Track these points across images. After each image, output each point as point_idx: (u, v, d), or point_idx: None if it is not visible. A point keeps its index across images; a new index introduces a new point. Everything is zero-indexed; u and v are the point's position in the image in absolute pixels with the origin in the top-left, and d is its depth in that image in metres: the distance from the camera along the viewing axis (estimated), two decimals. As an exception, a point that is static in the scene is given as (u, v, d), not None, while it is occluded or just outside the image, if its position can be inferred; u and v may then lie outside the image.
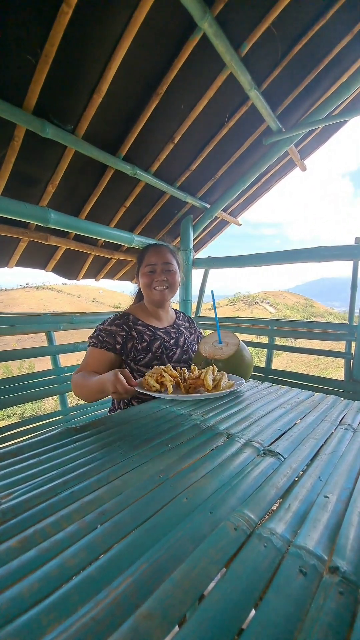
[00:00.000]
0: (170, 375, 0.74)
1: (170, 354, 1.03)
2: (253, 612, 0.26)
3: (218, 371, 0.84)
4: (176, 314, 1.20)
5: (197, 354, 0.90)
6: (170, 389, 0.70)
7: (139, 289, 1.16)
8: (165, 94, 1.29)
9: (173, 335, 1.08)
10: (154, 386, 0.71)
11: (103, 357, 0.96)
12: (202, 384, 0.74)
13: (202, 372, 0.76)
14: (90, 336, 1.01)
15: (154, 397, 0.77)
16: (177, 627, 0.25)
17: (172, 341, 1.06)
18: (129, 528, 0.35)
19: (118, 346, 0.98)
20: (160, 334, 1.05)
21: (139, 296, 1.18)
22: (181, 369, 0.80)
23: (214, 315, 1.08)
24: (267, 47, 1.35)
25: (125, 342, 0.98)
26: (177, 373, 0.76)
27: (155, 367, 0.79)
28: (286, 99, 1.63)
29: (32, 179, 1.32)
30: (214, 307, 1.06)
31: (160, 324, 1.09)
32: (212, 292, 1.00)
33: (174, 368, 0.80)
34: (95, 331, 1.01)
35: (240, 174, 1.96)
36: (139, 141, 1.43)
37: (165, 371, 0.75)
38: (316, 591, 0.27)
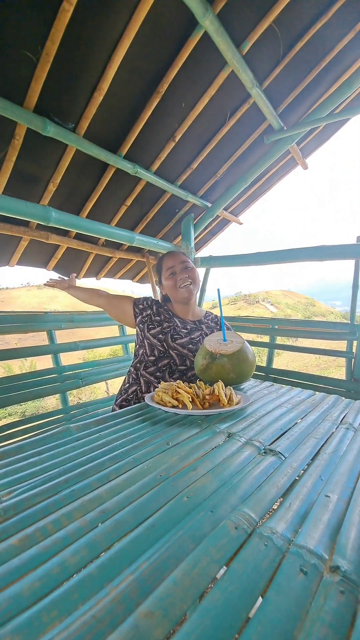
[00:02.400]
0: (185, 392, 0.74)
1: (176, 336, 1.07)
2: (254, 610, 0.26)
3: (223, 371, 0.85)
4: (205, 315, 1.23)
5: (202, 349, 0.90)
6: (190, 406, 0.71)
7: (162, 294, 1.24)
8: (166, 93, 1.28)
9: (189, 327, 1.12)
10: (169, 402, 0.72)
11: (118, 300, 1.21)
12: (217, 399, 0.75)
13: (214, 388, 0.77)
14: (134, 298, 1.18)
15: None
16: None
17: (184, 330, 1.10)
18: (129, 526, 0.35)
19: (141, 313, 1.13)
20: (177, 320, 1.12)
21: (164, 300, 1.25)
22: (190, 385, 0.80)
23: (222, 313, 1.08)
24: (269, 45, 1.34)
25: (144, 310, 1.13)
26: (190, 390, 0.77)
27: (166, 383, 0.80)
28: (288, 97, 1.62)
29: (33, 177, 1.32)
30: (220, 306, 1.06)
31: (186, 318, 1.16)
32: (217, 290, 1.00)
33: (184, 382, 0.82)
34: (136, 299, 1.17)
35: (242, 172, 1.95)
36: (140, 140, 1.43)
37: (179, 387, 0.76)
38: (317, 590, 0.27)
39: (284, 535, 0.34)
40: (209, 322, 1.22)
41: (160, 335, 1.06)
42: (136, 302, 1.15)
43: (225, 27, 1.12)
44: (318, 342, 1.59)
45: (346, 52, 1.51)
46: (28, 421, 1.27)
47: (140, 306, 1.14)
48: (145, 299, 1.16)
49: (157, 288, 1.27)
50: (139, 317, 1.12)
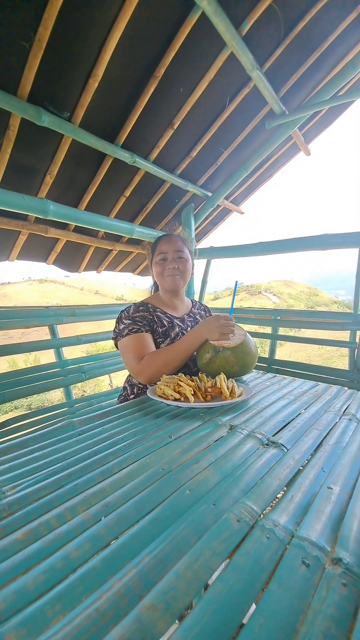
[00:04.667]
0: (187, 385, 0.74)
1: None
2: (256, 604, 0.26)
3: (226, 366, 0.85)
4: (192, 303, 1.22)
5: (205, 342, 0.90)
6: (192, 399, 0.71)
7: (154, 281, 1.18)
8: (164, 77, 1.24)
9: (189, 323, 1.10)
10: (171, 395, 0.72)
11: (150, 339, 0.96)
12: (219, 392, 0.75)
13: (216, 381, 0.77)
14: (120, 329, 0.97)
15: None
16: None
17: (188, 329, 1.08)
18: (132, 520, 0.35)
19: (151, 328, 1.00)
20: (178, 322, 1.07)
21: (156, 288, 1.20)
22: (192, 378, 0.80)
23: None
24: (269, 25, 1.28)
25: (152, 325, 1.01)
26: (192, 382, 0.77)
27: (168, 376, 0.80)
28: (289, 79, 1.57)
29: (29, 169, 1.30)
30: (233, 297, 1.04)
31: (176, 313, 1.10)
32: (235, 282, 0.99)
33: (185, 375, 0.81)
34: (124, 320, 0.97)
35: (243, 160, 1.91)
36: (138, 128, 1.39)
37: (181, 380, 0.76)
38: (319, 583, 0.27)
39: (286, 528, 0.34)
40: (200, 311, 1.22)
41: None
42: (135, 321, 0.97)
43: (223, 7, 1.07)
44: (321, 333, 1.58)
45: (349, 32, 1.44)
46: (32, 415, 1.29)
47: (139, 322, 0.98)
48: (136, 309, 1.00)
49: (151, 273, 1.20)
50: (150, 329, 1.00)
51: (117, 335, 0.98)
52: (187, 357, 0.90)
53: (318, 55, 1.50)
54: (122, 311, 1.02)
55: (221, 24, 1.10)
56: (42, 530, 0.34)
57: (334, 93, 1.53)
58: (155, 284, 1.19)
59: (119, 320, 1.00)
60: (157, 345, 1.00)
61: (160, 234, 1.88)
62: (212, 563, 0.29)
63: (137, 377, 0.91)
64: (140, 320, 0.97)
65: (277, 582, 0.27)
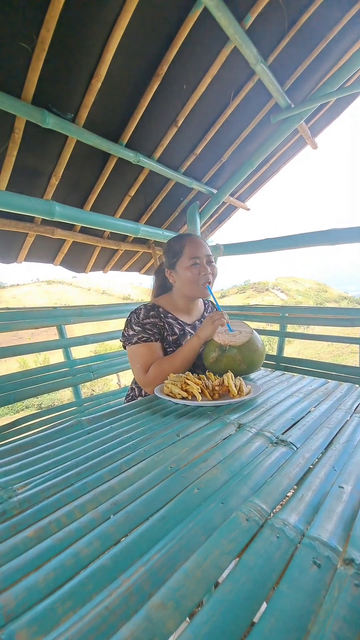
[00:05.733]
0: (195, 383, 0.74)
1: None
2: (266, 604, 0.26)
3: (233, 365, 0.84)
4: (205, 306, 1.18)
5: (211, 342, 0.89)
6: (199, 397, 0.71)
7: (157, 282, 1.13)
8: (166, 74, 1.24)
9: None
10: (179, 394, 0.72)
11: (159, 348, 0.96)
12: (227, 390, 0.75)
13: (223, 379, 0.76)
14: (129, 335, 0.95)
15: None
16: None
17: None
18: (141, 518, 0.36)
19: (161, 336, 0.98)
20: (189, 329, 1.03)
21: (162, 288, 1.13)
22: (199, 376, 0.80)
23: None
24: (273, 18, 1.26)
25: (163, 332, 0.99)
26: (199, 381, 0.76)
27: (175, 375, 0.80)
28: (295, 72, 1.54)
29: (35, 171, 1.31)
30: (213, 297, 1.05)
31: (189, 319, 1.07)
32: (207, 287, 0.99)
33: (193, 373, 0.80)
34: (134, 326, 0.95)
35: (248, 155, 1.88)
36: (141, 127, 1.39)
37: (188, 379, 0.76)
38: (330, 583, 0.27)
39: (296, 527, 0.34)
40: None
41: None
42: (145, 329, 0.95)
43: (225, 1, 1.06)
44: (331, 329, 1.55)
45: (355, 21, 1.40)
46: (43, 414, 1.31)
47: (160, 336, 0.97)
48: (146, 314, 0.97)
49: (153, 276, 1.14)
50: (162, 339, 0.99)
51: (125, 340, 0.97)
52: (191, 363, 0.93)
53: (323, 47, 1.47)
54: (132, 313, 0.99)
55: (224, 18, 1.09)
56: (53, 528, 0.35)
57: (341, 84, 1.50)
58: (160, 285, 1.14)
59: (128, 324, 0.98)
60: (168, 353, 0.98)
61: (166, 233, 1.88)
62: (221, 562, 0.29)
63: (144, 388, 0.94)
64: (150, 328, 0.95)
65: (288, 582, 0.27)
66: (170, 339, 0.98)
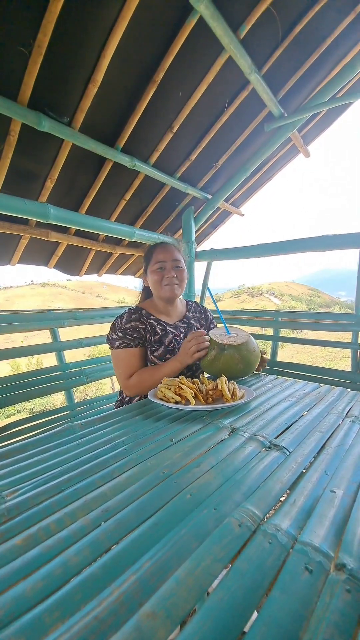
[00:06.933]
0: (188, 387, 0.74)
1: (179, 345, 1.05)
2: (257, 611, 0.26)
3: (230, 367, 0.85)
4: (187, 306, 1.21)
5: (210, 341, 0.90)
6: (193, 401, 0.70)
7: (144, 286, 1.18)
8: (162, 82, 1.25)
9: (182, 329, 1.10)
10: (172, 398, 0.72)
11: (140, 353, 1.01)
12: (220, 394, 0.75)
13: (217, 383, 0.76)
14: (113, 338, 1.00)
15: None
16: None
17: (182, 335, 1.09)
18: (132, 525, 0.35)
19: (143, 339, 1.02)
20: (171, 329, 1.07)
21: (146, 293, 1.19)
22: (192, 380, 0.80)
23: (218, 308, 1.10)
24: (267, 29, 1.29)
25: (145, 334, 1.02)
26: (193, 385, 0.76)
27: (169, 378, 0.80)
28: (288, 82, 1.57)
29: (30, 174, 1.30)
30: (214, 301, 1.09)
31: (170, 320, 1.11)
32: (207, 288, 1.01)
33: (186, 378, 0.81)
34: (117, 331, 1.00)
35: (242, 162, 1.91)
36: (137, 132, 1.40)
37: (182, 383, 0.75)
38: (322, 589, 0.27)
39: (288, 532, 0.33)
40: (195, 314, 1.20)
41: (168, 356, 1.02)
42: (126, 335, 0.99)
43: (221, 11, 1.08)
44: (323, 334, 1.57)
45: (347, 34, 1.45)
46: (35, 418, 1.28)
47: (143, 339, 1.00)
48: (128, 319, 1.01)
49: (141, 279, 1.20)
50: (144, 342, 1.02)
51: (110, 343, 1.02)
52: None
53: (316, 58, 1.51)
54: (117, 318, 1.04)
55: (219, 27, 1.11)
56: (42, 536, 0.34)
57: (333, 95, 1.54)
58: (145, 289, 1.18)
59: (112, 328, 1.03)
60: (152, 352, 1.01)
61: (162, 237, 1.89)
62: (213, 569, 0.29)
63: (124, 391, 1.01)
64: (131, 333, 0.99)
65: (280, 588, 0.27)
66: (153, 339, 1.02)
